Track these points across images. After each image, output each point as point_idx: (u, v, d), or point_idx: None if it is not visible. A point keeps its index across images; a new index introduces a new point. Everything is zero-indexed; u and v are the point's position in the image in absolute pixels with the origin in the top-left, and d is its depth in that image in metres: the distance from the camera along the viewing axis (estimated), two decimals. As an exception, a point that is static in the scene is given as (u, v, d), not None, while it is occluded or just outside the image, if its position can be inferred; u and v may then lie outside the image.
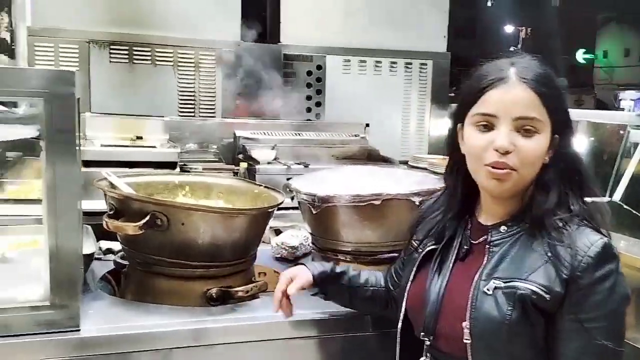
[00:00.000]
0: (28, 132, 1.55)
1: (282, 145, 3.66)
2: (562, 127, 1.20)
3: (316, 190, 1.86)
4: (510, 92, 1.17)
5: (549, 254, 1.13)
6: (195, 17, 4.06)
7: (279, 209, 2.21)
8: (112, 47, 3.94)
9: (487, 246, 1.22)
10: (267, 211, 1.81)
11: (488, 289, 1.15)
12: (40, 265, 1.44)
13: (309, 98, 4.35)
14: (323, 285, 1.52)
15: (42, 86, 1.42)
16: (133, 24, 3.97)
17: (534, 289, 1.12)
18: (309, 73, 4.34)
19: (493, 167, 1.17)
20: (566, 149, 1.21)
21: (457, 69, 4.45)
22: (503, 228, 1.22)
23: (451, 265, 1.26)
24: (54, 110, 1.43)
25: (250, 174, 3.31)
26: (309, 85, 4.34)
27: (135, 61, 3.98)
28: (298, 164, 3.44)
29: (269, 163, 3.41)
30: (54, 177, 1.42)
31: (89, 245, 1.86)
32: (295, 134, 3.92)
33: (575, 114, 3.58)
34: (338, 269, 1.54)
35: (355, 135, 4.00)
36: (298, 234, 2.14)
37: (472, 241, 1.27)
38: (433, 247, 1.31)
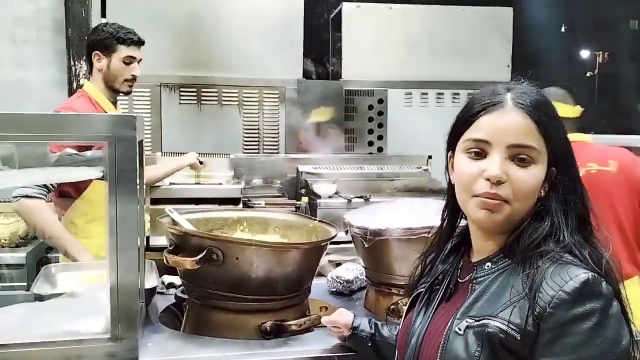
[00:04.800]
0: (93, 173, 1.65)
1: (344, 179, 3.70)
2: (560, 159, 1.11)
3: (368, 224, 1.87)
4: (505, 117, 1.08)
5: (526, 290, 1.01)
6: (259, 58, 4.21)
7: (340, 242, 2.24)
8: (181, 89, 4.14)
9: (471, 284, 1.13)
10: (320, 245, 1.83)
11: (460, 329, 1.06)
12: (103, 299, 1.52)
13: (370, 132, 4.39)
14: (365, 342, 1.55)
15: (106, 130, 1.52)
16: (201, 67, 4.17)
17: (503, 327, 1.00)
18: (371, 107, 4.39)
19: (484, 198, 1.08)
20: (564, 182, 1.10)
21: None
22: (488, 265, 1.12)
23: (436, 305, 1.18)
24: (117, 153, 1.52)
25: (312, 208, 3.36)
26: (370, 119, 4.38)
27: (203, 102, 4.17)
28: (359, 197, 3.47)
29: (330, 197, 3.45)
30: (115, 215, 1.51)
31: (152, 280, 1.95)
32: (358, 167, 3.96)
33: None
34: (387, 331, 1.52)
35: (418, 168, 3.99)
36: (353, 268, 2.15)
37: (459, 280, 1.18)
38: (422, 289, 1.25)
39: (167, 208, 2.03)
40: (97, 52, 2.67)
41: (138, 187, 1.62)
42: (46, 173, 1.63)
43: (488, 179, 1.07)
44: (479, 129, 1.10)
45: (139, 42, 2.73)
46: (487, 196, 1.07)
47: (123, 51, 2.67)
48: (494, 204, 1.07)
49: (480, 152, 1.10)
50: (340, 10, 4.47)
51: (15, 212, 2.53)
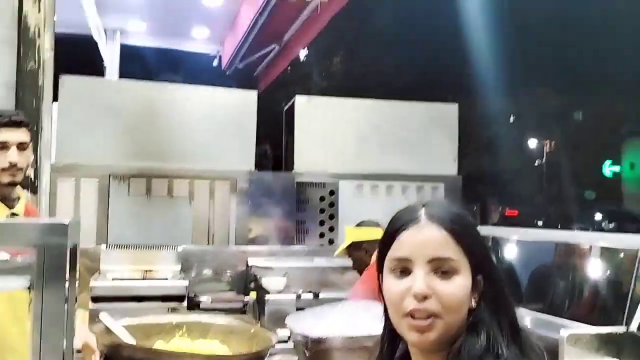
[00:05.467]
0: (21, 283, 1.57)
1: (294, 273, 3.65)
2: (482, 267, 1.12)
3: (309, 331, 1.83)
4: (422, 232, 1.10)
5: None
6: (212, 149, 4.23)
7: (287, 341, 2.18)
8: (131, 180, 4.09)
9: None
10: (259, 355, 1.77)
11: None
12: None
13: (322, 223, 4.39)
14: None
15: (35, 238, 1.46)
16: (152, 157, 4.16)
17: None
18: (322, 198, 4.42)
19: (413, 317, 1.07)
20: (491, 291, 1.11)
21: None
22: None
23: None
24: (46, 262, 1.46)
25: (260, 305, 3.29)
26: (322, 211, 4.40)
27: (153, 193, 4.12)
28: (309, 292, 3.42)
29: (279, 292, 3.38)
30: (40, 327, 1.43)
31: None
32: (308, 260, 3.92)
33: (587, 238, 3.47)
34: None
35: (369, 260, 3.97)
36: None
37: None
38: None
39: (101, 313, 1.95)
40: None
41: (69, 294, 1.55)
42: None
43: (415, 296, 1.07)
44: (400, 247, 1.12)
45: (10, 124, 2.22)
46: (416, 314, 1.07)
47: None
48: (425, 325, 1.06)
49: (404, 269, 1.11)
50: (293, 103, 4.57)
51: None
